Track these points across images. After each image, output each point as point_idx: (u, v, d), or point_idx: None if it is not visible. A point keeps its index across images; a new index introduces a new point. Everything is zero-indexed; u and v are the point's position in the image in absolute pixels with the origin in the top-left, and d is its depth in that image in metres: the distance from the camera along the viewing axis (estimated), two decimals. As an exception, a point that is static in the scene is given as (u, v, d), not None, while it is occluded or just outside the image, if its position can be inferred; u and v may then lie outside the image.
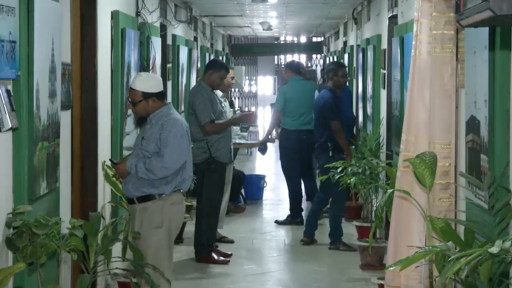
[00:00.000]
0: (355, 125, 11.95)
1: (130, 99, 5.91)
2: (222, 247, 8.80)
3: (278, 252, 9.09)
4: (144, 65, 8.39)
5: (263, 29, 19.09)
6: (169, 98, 10.64)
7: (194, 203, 8.60)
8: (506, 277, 3.92)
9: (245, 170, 13.26)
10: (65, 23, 5.63)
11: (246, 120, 10.18)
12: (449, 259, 3.68)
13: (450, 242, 4.00)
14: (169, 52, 10.60)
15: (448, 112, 5.15)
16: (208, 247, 8.40)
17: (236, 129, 11.95)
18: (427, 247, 4.08)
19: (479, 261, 3.49)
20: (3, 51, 4.15)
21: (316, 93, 10.55)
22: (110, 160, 6.08)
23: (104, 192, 6.69)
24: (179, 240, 9.14)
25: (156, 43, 8.90)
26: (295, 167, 10.58)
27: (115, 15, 7.12)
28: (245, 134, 12.47)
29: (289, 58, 25.40)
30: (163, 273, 5.48)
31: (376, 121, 9.81)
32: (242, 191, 11.78)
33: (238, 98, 25.94)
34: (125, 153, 7.12)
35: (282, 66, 16.48)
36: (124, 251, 5.77)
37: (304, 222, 9.78)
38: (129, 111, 6.58)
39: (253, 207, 11.81)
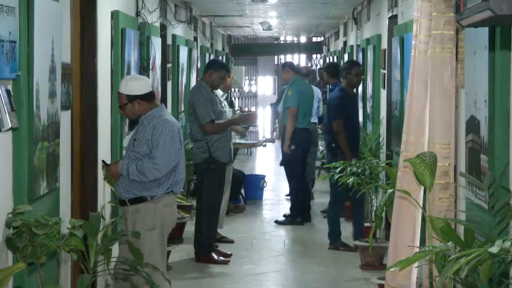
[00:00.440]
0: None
1: (118, 103, 5.93)
2: (222, 247, 8.80)
3: (278, 252, 9.09)
4: (144, 65, 8.39)
5: (263, 29, 19.09)
6: (169, 98, 10.65)
7: (194, 203, 8.60)
8: (506, 277, 3.92)
9: (245, 170, 13.26)
10: (65, 23, 5.63)
11: (246, 120, 10.18)
12: (449, 259, 3.68)
13: (450, 242, 4.00)
14: (169, 52, 10.61)
15: (448, 112, 5.15)
16: (208, 247, 8.40)
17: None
18: (427, 247, 4.09)
19: (479, 261, 3.49)
20: (3, 51, 4.15)
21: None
22: (102, 161, 6.07)
23: (104, 192, 6.70)
24: (179, 240, 9.15)
25: (156, 43, 8.90)
26: (303, 166, 10.62)
27: (115, 15, 7.12)
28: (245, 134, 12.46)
29: (289, 58, 25.40)
30: (162, 273, 5.48)
31: (376, 121, 9.81)
32: (242, 191, 11.78)
33: (238, 98, 25.93)
34: (125, 153, 7.12)
35: (277, 66, 16.34)
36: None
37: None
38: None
39: (253, 207, 11.81)
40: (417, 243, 5.04)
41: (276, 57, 27.90)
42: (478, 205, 4.49)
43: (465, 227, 4.24)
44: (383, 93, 9.48)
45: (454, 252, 3.85)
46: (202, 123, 8.26)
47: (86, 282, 4.68)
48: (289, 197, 12.47)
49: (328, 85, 12.04)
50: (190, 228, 9.02)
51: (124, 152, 7.16)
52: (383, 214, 6.24)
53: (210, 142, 8.32)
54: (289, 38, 26.96)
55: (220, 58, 19.05)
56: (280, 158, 11.83)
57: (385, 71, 9.19)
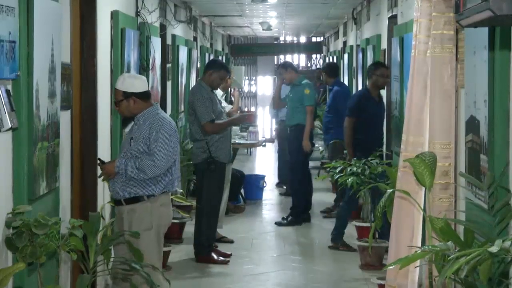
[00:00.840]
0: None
1: (114, 100, 5.93)
2: (222, 247, 8.79)
3: (278, 252, 9.09)
4: (143, 65, 8.39)
5: (263, 29, 19.09)
6: (168, 98, 10.65)
7: (194, 203, 8.60)
8: (505, 277, 3.92)
9: (245, 170, 13.26)
10: (65, 23, 5.63)
11: (246, 120, 10.18)
12: (449, 259, 3.67)
13: (449, 242, 4.00)
14: (169, 52, 10.61)
15: (447, 112, 5.15)
16: (208, 247, 8.40)
17: (235, 129, 11.93)
18: (426, 247, 4.09)
19: (479, 261, 3.48)
20: (3, 51, 4.15)
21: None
22: (98, 159, 6.07)
23: (103, 192, 6.70)
24: (178, 240, 9.15)
25: (155, 43, 8.90)
26: (306, 165, 10.66)
27: (114, 15, 7.12)
28: (244, 134, 12.45)
29: (289, 58, 25.40)
30: (162, 273, 5.48)
31: (376, 121, 9.79)
32: (242, 191, 11.78)
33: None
34: (120, 152, 7.12)
35: (276, 66, 16.24)
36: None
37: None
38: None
39: (253, 207, 11.81)
40: (417, 243, 5.04)
41: (275, 57, 27.90)
42: (478, 205, 4.49)
43: (465, 227, 4.24)
44: (383, 93, 9.47)
45: (453, 252, 3.85)
46: (202, 123, 8.26)
47: (86, 282, 4.68)
48: (283, 196, 12.49)
49: (327, 85, 12.02)
50: (190, 228, 9.02)
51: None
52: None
53: (210, 142, 8.32)
54: (288, 38, 26.96)
55: (220, 58, 19.05)
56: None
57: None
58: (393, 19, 8.80)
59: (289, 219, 10.50)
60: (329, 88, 11.78)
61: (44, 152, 4.89)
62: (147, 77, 8.58)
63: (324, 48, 23.57)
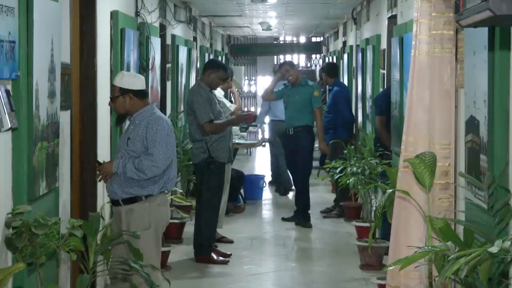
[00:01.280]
0: (355, 125, 11.97)
1: (111, 96, 5.93)
2: (222, 247, 8.79)
3: (278, 252, 9.09)
4: (143, 65, 8.39)
5: (263, 29, 19.09)
6: (168, 98, 10.66)
7: (194, 203, 8.59)
8: (505, 277, 3.92)
9: (245, 170, 13.26)
10: (65, 23, 5.63)
11: (245, 120, 10.17)
12: (449, 259, 3.67)
13: (449, 242, 4.00)
14: (169, 52, 10.61)
15: (447, 112, 5.15)
16: (207, 247, 8.40)
17: (235, 129, 11.93)
18: (426, 247, 4.08)
19: (479, 261, 3.48)
20: (3, 51, 4.15)
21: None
22: (96, 160, 6.06)
23: (103, 192, 6.69)
24: (178, 240, 9.15)
25: (155, 43, 8.90)
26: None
27: (114, 15, 7.12)
28: (244, 134, 12.46)
29: (288, 58, 25.40)
30: (162, 272, 5.48)
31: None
32: (242, 191, 11.78)
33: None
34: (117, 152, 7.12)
35: (275, 65, 16.13)
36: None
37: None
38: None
39: (253, 207, 11.80)
40: (418, 243, 5.04)
41: (275, 57, 27.91)
42: (478, 205, 4.48)
43: (464, 227, 4.24)
44: (383, 93, 9.47)
45: (453, 252, 3.85)
46: (201, 123, 8.26)
47: (86, 282, 4.68)
48: (283, 196, 12.46)
49: (327, 85, 12.01)
50: (189, 228, 9.02)
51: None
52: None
53: (209, 142, 8.32)
54: (288, 38, 26.97)
55: (220, 58, 19.05)
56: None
57: (385, 71, 9.19)
58: (392, 19, 8.80)
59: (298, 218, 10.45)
60: (328, 88, 11.77)
61: (44, 152, 4.88)
62: (147, 77, 8.58)
63: (324, 48, 23.57)
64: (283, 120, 12.89)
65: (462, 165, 5.12)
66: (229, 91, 12.50)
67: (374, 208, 7.80)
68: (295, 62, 28.42)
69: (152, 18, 9.00)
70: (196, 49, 14.12)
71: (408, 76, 5.35)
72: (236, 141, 11.60)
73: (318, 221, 10.68)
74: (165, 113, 10.15)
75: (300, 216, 10.42)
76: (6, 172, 4.43)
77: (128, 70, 7.49)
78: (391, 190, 5.45)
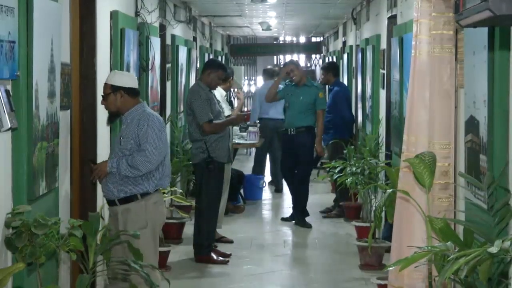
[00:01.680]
0: (354, 125, 11.97)
1: (102, 94, 5.94)
2: (222, 247, 8.79)
3: (278, 252, 9.09)
4: (143, 65, 8.39)
5: (262, 29, 19.09)
6: (168, 98, 10.65)
7: (193, 203, 8.59)
8: (505, 277, 3.92)
9: (244, 170, 13.24)
10: (64, 23, 5.63)
11: (245, 120, 10.16)
12: (448, 259, 3.68)
13: (449, 242, 4.00)
14: (168, 52, 10.61)
15: (447, 112, 5.15)
16: (207, 247, 8.40)
17: (236, 129, 11.93)
18: (426, 247, 4.09)
19: (478, 261, 3.49)
20: (2, 51, 4.15)
21: None
22: (90, 160, 6.06)
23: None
24: (178, 240, 9.15)
25: (155, 43, 8.90)
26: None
27: (114, 15, 7.12)
28: (244, 134, 12.45)
29: (288, 58, 25.39)
30: (162, 273, 5.48)
31: (375, 121, 9.81)
32: (241, 191, 11.77)
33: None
34: (111, 152, 7.12)
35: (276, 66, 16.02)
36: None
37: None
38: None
39: (252, 207, 11.80)
40: (420, 243, 5.04)
41: (275, 57, 27.90)
42: (478, 205, 4.49)
43: (464, 227, 4.24)
44: (382, 93, 9.48)
45: (453, 252, 3.85)
46: (200, 123, 8.26)
47: (85, 282, 4.68)
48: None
49: (327, 85, 12.01)
50: (189, 228, 9.02)
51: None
52: (383, 214, 6.24)
53: (209, 142, 8.31)
54: (288, 38, 26.97)
55: (220, 58, 19.05)
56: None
57: (384, 71, 9.19)
58: (392, 19, 8.80)
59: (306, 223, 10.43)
60: (329, 88, 11.76)
61: (44, 152, 4.88)
62: (147, 77, 8.59)
63: (324, 48, 23.57)
64: (273, 118, 12.86)
65: (462, 165, 5.12)
66: (231, 92, 12.47)
67: (374, 208, 7.80)
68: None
69: (152, 18, 9.00)
70: (196, 49, 14.12)
71: (408, 76, 5.35)
72: (236, 141, 11.59)
73: (318, 221, 10.68)
74: (165, 113, 10.15)
75: (299, 215, 10.40)
76: (6, 172, 4.43)
77: (128, 70, 7.49)
78: (391, 190, 5.45)
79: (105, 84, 5.88)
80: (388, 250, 6.94)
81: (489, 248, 3.41)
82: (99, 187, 6.58)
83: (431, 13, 5.12)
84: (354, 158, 8.93)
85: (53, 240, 4.36)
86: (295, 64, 10.79)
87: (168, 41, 10.67)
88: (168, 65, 10.61)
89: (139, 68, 8.18)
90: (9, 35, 4.24)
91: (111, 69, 7.01)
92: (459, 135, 5.26)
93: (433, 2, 5.10)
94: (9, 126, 4.28)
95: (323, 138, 10.94)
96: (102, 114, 6.72)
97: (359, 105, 11.92)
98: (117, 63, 7.15)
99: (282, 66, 10.91)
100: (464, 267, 3.50)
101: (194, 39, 13.91)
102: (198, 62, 13.99)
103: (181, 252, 8.74)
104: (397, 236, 5.29)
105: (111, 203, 5.85)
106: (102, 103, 5.96)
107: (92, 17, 6.50)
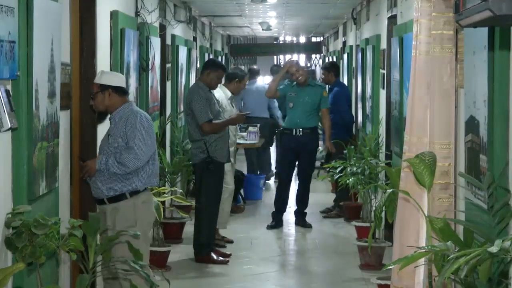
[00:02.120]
0: (354, 125, 11.97)
1: (91, 93, 5.95)
2: (222, 247, 8.80)
3: (278, 252, 9.09)
4: (143, 65, 8.39)
5: (262, 29, 19.10)
6: (168, 98, 10.66)
7: (193, 203, 8.59)
8: (505, 277, 3.92)
9: (245, 170, 13.25)
10: (64, 23, 5.63)
11: (244, 120, 10.14)
12: (448, 259, 3.68)
13: (449, 242, 4.00)
14: (168, 52, 10.61)
15: (447, 112, 5.15)
16: (207, 247, 8.40)
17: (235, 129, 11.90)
18: (426, 247, 4.09)
19: (478, 261, 3.49)
20: (2, 51, 4.15)
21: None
22: (79, 157, 6.06)
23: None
24: (178, 240, 9.15)
25: (155, 43, 8.90)
26: None
27: (114, 15, 7.12)
28: (244, 134, 12.45)
29: (288, 58, 25.39)
30: (162, 273, 5.48)
31: (375, 121, 9.81)
32: (242, 191, 11.77)
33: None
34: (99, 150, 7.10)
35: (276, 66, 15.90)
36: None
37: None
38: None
39: (253, 207, 11.80)
40: (422, 243, 5.04)
41: (275, 57, 27.91)
42: (478, 205, 4.49)
43: (464, 227, 4.24)
44: (383, 93, 9.48)
45: (453, 252, 3.85)
46: (199, 123, 8.25)
47: (85, 282, 4.68)
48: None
49: (328, 85, 12.00)
50: (189, 228, 9.02)
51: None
52: (383, 214, 6.24)
53: (208, 142, 8.31)
54: (288, 38, 26.98)
55: (220, 58, 19.05)
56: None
57: (385, 71, 9.19)
58: (392, 19, 8.80)
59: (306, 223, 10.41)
60: (329, 88, 11.75)
61: (44, 152, 4.88)
62: (147, 77, 8.59)
63: (324, 48, 23.58)
64: (258, 117, 12.87)
65: (462, 165, 5.12)
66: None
67: (374, 208, 7.80)
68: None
69: (152, 18, 9.00)
70: (196, 49, 14.12)
71: (408, 76, 5.35)
72: (237, 141, 11.58)
73: (318, 221, 10.68)
74: (165, 113, 10.16)
75: (300, 215, 10.40)
76: (6, 172, 4.43)
77: (128, 70, 7.50)
78: (391, 190, 5.45)
79: (94, 83, 5.92)
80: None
81: (489, 248, 3.41)
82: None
83: (431, 13, 5.12)
84: (354, 158, 8.92)
85: (53, 240, 4.36)
86: (298, 64, 10.76)
87: (168, 41, 10.67)
88: (168, 65, 10.61)
89: (139, 68, 8.18)
90: (9, 35, 4.24)
91: (111, 69, 7.02)
92: (459, 135, 5.26)
93: (433, 2, 5.10)
94: (9, 126, 4.28)
95: (323, 138, 10.92)
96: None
97: (359, 105, 11.92)
98: (117, 63, 7.15)
99: (283, 64, 10.75)
100: (464, 267, 3.50)
101: (194, 39, 13.91)
102: (198, 62, 13.99)
103: (181, 252, 8.73)
104: (399, 236, 5.29)
105: (100, 201, 5.87)
106: (90, 103, 5.99)
107: (92, 17, 6.50)
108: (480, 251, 3.48)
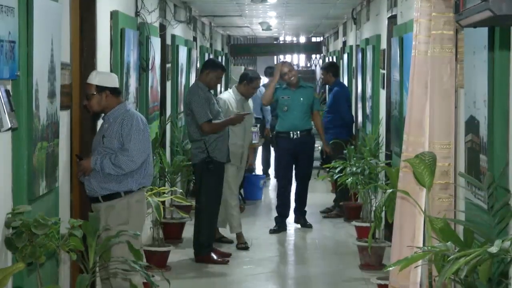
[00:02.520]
0: (354, 125, 11.97)
1: (85, 94, 5.93)
2: (222, 247, 8.79)
3: (278, 252, 9.09)
4: (143, 65, 8.39)
5: (262, 29, 19.10)
6: (168, 98, 10.66)
7: (193, 203, 8.59)
8: (505, 277, 3.92)
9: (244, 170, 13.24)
10: (64, 23, 5.63)
11: (243, 120, 10.12)
12: (448, 259, 3.68)
13: (449, 242, 4.00)
14: (169, 52, 10.61)
15: (447, 112, 5.15)
16: (207, 247, 8.40)
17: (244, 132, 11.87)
18: (426, 247, 4.09)
19: (478, 261, 3.49)
20: (2, 51, 4.15)
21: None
22: (76, 155, 6.06)
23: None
24: (178, 240, 9.15)
25: (155, 43, 8.90)
26: None
27: (114, 15, 7.12)
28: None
29: (288, 58, 25.40)
30: (162, 273, 5.48)
31: (376, 121, 9.81)
32: (242, 191, 11.77)
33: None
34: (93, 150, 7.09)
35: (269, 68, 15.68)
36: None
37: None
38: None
39: (253, 207, 11.81)
40: (419, 243, 5.04)
41: (275, 57, 27.92)
42: (478, 205, 4.49)
43: (464, 227, 4.24)
44: (383, 93, 9.48)
45: (453, 252, 3.85)
46: (199, 123, 8.25)
47: (85, 282, 4.68)
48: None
49: (327, 85, 12.01)
50: (189, 228, 9.02)
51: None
52: (382, 214, 6.24)
53: (208, 142, 8.31)
54: (288, 38, 26.99)
55: (220, 58, 19.05)
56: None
57: (385, 71, 9.19)
58: (392, 19, 8.80)
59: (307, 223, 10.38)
60: (329, 88, 11.75)
61: (44, 152, 4.88)
62: (147, 77, 8.59)
63: (324, 48, 23.58)
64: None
65: (462, 165, 5.13)
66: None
67: (374, 208, 7.80)
68: (295, 62, 28.38)
69: (152, 18, 9.00)
70: (196, 49, 14.12)
71: (408, 76, 5.35)
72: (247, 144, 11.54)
73: (318, 221, 10.68)
74: (165, 113, 10.16)
75: (300, 214, 10.39)
76: (6, 172, 4.43)
77: (128, 70, 7.50)
78: (391, 190, 5.45)
79: (89, 84, 5.89)
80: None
81: (489, 248, 3.41)
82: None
83: (431, 13, 5.11)
84: (354, 158, 8.93)
85: (53, 240, 4.36)
86: (290, 64, 10.51)
87: (168, 41, 10.67)
88: (168, 65, 10.61)
89: (139, 68, 8.18)
90: (9, 35, 4.24)
91: (111, 69, 7.02)
92: (459, 135, 5.26)
93: (433, 2, 5.10)
94: (9, 126, 4.28)
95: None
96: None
97: (359, 105, 11.91)
98: (117, 63, 7.15)
99: (275, 66, 10.40)
100: (464, 267, 3.50)
101: (194, 39, 13.92)
102: (198, 62, 13.99)
103: (181, 252, 8.74)
104: (397, 236, 5.29)
105: (94, 200, 5.88)
106: (84, 103, 5.97)
107: (92, 17, 6.50)
108: (480, 251, 3.48)
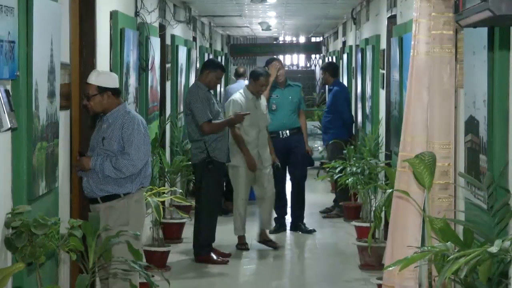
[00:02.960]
0: (354, 125, 11.97)
1: (85, 94, 5.90)
2: (222, 247, 8.80)
3: (278, 252, 9.09)
4: (143, 65, 8.39)
5: (262, 29, 19.10)
6: (168, 98, 10.66)
7: (193, 203, 8.59)
8: (505, 277, 3.92)
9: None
10: (64, 23, 5.63)
11: (243, 120, 10.11)
12: (448, 259, 3.67)
13: (449, 242, 4.00)
14: (168, 52, 10.61)
15: (447, 112, 5.15)
16: (207, 247, 8.40)
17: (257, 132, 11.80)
18: (426, 247, 4.08)
19: (478, 261, 3.49)
20: (2, 51, 4.15)
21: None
22: (79, 152, 6.05)
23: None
24: (178, 240, 9.15)
25: (155, 43, 8.90)
26: None
27: (114, 15, 7.12)
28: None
29: (288, 58, 25.40)
30: (162, 273, 5.48)
31: (375, 121, 9.81)
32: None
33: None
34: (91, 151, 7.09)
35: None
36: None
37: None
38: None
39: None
40: (415, 243, 5.04)
41: (275, 57, 27.89)
42: (477, 205, 4.49)
43: (464, 227, 4.24)
44: (382, 93, 9.48)
45: (453, 252, 3.85)
46: (199, 123, 8.26)
47: (85, 282, 4.68)
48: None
49: (327, 85, 12.01)
50: (189, 228, 9.02)
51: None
52: (382, 214, 6.24)
53: (208, 142, 8.31)
54: (288, 38, 26.99)
55: (219, 58, 19.05)
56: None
57: (384, 71, 9.20)
58: (392, 19, 8.80)
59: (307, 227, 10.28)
60: (328, 88, 11.75)
61: (44, 152, 4.89)
62: (147, 77, 8.59)
63: (324, 48, 23.58)
64: None
65: (462, 165, 5.13)
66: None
67: (373, 208, 7.80)
68: (295, 62, 28.38)
69: (152, 18, 9.01)
70: (196, 49, 14.12)
71: (408, 76, 5.34)
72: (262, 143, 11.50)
73: (318, 221, 10.68)
74: (165, 113, 10.16)
75: (300, 221, 10.13)
76: (6, 172, 4.43)
77: (127, 70, 7.49)
78: (390, 190, 5.45)
79: (90, 85, 5.83)
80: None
81: (489, 248, 3.41)
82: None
83: (430, 13, 5.11)
84: (354, 158, 8.93)
85: (53, 240, 4.36)
86: (280, 61, 10.39)
87: (168, 41, 10.67)
88: (168, 65, 10.61)
89: (138, 68, 8.18)
90: (9, 35, 4.24)
91: (111, 69, 7.02)
92: (459, 135, 5.26)
93: (433, 2, 5.10)
94: (9, 126, 4.28)
95: (323, 138, 10.90)
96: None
97: (359, 105, 11.91)
98: (117, 63, 7.15)
99: (266, 65, 10.17)
100: (464, 267, 3.50)
101: (194, 39, 13.92)
102: (198, 62, 14.00)
103: (181, 252, 8.74)
104: (392, 235, 5.28)
105: (93, 201, 5.87)
106: (84, 103, 5.93)
107: (92, 17, 6.51)
108: (480, 251, 3.48)
